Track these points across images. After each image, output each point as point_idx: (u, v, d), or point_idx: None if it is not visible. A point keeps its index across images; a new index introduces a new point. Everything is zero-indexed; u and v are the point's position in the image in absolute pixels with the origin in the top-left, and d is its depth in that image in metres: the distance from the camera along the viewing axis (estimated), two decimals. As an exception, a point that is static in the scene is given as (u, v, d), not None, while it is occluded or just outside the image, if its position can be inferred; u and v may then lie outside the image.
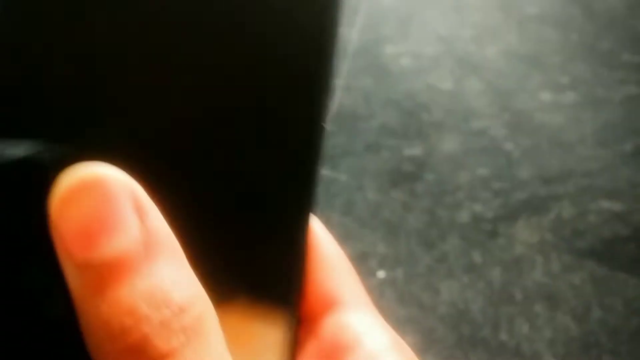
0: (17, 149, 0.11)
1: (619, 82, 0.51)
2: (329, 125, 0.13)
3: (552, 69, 0.51)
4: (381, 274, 0.44)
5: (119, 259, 0.11)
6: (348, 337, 0.15)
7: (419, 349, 0.31)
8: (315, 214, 0.15)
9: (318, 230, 0.16)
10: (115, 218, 0.11)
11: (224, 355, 0.12)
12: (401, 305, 0.43)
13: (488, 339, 0.44)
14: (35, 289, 0.12)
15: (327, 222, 0.17)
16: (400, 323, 0.42)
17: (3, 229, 0.11)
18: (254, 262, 0.13)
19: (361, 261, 0.44)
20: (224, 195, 0.12)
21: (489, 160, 0.48)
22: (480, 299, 0.45)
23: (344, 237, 0.36)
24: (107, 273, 0.11)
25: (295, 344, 0.14)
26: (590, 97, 0.51)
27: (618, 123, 0.50)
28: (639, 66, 0.52)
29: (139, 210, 0.11)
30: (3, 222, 0.11)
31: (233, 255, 0.13)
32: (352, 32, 0.52)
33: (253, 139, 0.12)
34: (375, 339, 0.15)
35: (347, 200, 0.47)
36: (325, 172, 0.46)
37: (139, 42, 0.10)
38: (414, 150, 0.51)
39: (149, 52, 0.10)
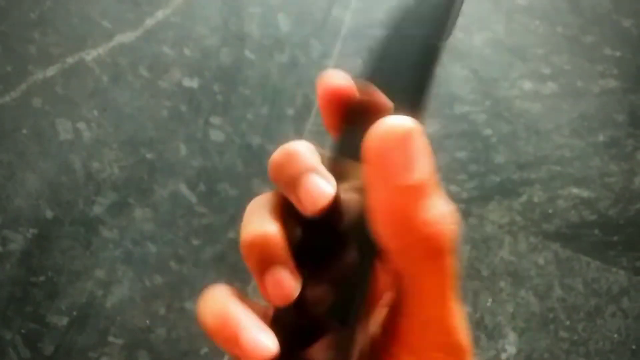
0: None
1: (598, 75, 0.50)
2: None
3: (535, 59, 0.49)
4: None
5: (422, 185, 0.15)
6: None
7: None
8: None
9: None
10: (419, 158, 0.15)
11: None
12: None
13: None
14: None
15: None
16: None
17: None
18: None
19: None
20: None
21: (467, 144, 0.47)
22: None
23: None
24: (417, 193, 0.15)
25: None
26: (570, 88, 0.49)
27: (594, 114, 0.49)
28: (619, 60, 0.50)
29: (428, 153, 0.15)
30: None
31: None
32: (345, 14, 0.51)
33: None
34: None
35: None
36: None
37: None
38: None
39: None
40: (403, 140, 0.15)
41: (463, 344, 0.17)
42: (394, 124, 0.15)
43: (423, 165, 0.15)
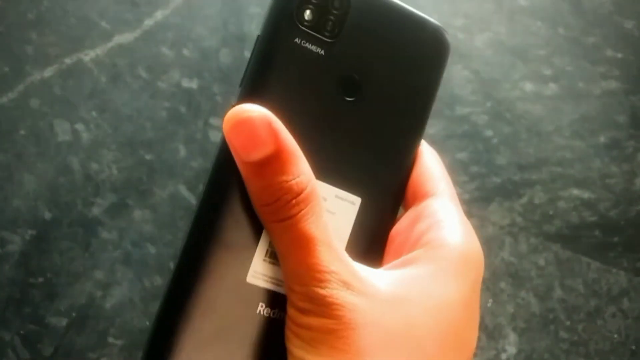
0: None
1: (599, 76, 0.50)
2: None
3: (537, 60, 0.50)
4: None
5: (263, 160, 0.19)
6: (432, 216, 0.22)
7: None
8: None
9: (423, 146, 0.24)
10: (258, 137, 0.19)
11: (323, 216, 0.20)
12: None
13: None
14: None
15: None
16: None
17: None
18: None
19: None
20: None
21: (468, 145, 0.47)
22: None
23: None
24: (257, 168, 0.19)
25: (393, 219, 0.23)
26: (571, 89, 0.50)
27: (595, 116, 0.49)
28: (621, 62, 0.51)
29: (272, 132, 0.19)
30: None
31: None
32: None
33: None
34: (449, 222, 0.22)
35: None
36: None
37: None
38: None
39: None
40: (239, 125, 0.19)
41: (319, 295, 0.19)
42: (234, 112, 0.19)
43: (263, 146, 0.19)
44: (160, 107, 0.47)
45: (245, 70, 0.21)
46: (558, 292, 0.45)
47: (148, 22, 0.49)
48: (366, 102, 0.22)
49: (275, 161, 0.19)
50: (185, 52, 0.48)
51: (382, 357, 0.18)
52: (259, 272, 0.20)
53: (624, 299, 0.45)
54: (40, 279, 0.42)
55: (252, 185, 0.19)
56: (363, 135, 0.22)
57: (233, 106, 0.20)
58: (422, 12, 0.24)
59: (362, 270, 0.20)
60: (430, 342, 0.19)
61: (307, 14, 0.21)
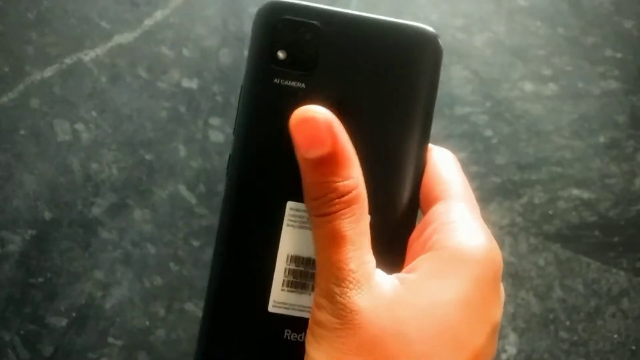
0: None
1: (599, 76, 0.50)
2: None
3: (536, 60, 0.50)
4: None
5: (319, 159, 0.20)
6: (437, 220, 0.23)
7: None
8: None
9: (437, 152, 0.25)
10: (318, 137, 0.20)
11: (362, 221, 0.21)
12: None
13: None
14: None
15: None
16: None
17: None
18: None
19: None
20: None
21: (468, 145, 0.47)
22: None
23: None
24: (315, 165, 0.21)
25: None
26: (570, 89, 0.50)
27: (594, 116, 0.49)
28: (620, 62, 0.51)
29: (332, 134, 0.20)
30: None
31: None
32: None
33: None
34: (454, 224, 0.22)
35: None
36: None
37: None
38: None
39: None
40: (303, 123, 0.20)
41: (334, 292, 0.20)
42: (301, 110, 0.21)
43: (321, 146, 0.20)
44: (160, 107, 0.47)
45: (235, 120, 0.22)
46: (558, 292, 0.45)
47: (148, 22, 0.49)
48: (357, 121, 0.22)
49: (329, 162, 0.20)
50: (185, 52, 0.49)
51: (367, 358, 0.18)
52: (278, 301, 0.22)
53: (624, 299, 0.45)
54: (40, 279, 0.42)
55: (306, 179, 0.21)
56: (360, 155, 0.22)
57: (230, 155, 0.23)
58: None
59: (376, 273, 0.20)
60: (420, 341, 0.19)
61: (280, 54, 0.22)
